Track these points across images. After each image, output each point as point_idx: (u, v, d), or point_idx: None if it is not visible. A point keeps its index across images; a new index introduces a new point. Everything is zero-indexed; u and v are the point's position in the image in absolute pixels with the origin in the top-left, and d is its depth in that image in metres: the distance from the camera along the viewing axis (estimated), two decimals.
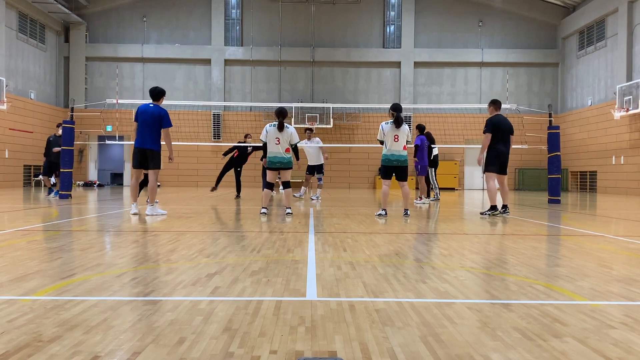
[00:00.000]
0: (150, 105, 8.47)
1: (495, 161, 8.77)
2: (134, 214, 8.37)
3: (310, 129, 13.98)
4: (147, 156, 8.41)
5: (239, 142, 14.39)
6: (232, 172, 14.15)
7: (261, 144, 9.02)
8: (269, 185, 8.84)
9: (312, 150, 13.68)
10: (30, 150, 22.19)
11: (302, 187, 14.18)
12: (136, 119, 8.42)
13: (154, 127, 8.32)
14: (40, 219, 7.93)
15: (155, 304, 2.76)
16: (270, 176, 8.74)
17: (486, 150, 8.87)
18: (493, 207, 8.75)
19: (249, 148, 14.04)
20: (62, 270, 3.68)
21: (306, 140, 13.75)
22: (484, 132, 8.81)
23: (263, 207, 8.69)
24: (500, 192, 9.11)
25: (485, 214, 8.75)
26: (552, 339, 2.23)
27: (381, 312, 2.64)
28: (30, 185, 22.34)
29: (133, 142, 8.59)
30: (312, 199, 13.61)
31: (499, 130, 8.73)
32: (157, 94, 8.55)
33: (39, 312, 2.56)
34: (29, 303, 2.73)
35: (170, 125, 8.39)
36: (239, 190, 14.22)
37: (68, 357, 1.96)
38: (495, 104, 9.03)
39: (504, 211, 8.86)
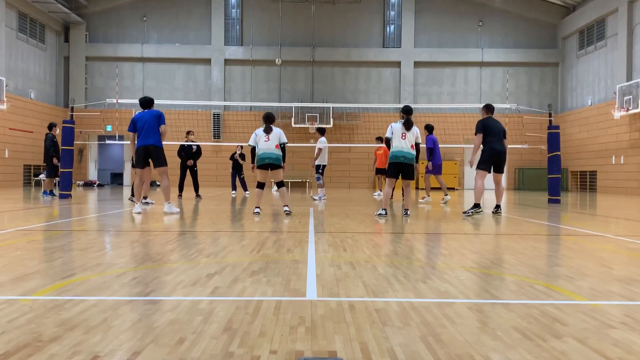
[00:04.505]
0: (145, 111, 8.78)
1: (489, 160, 8.78)
2: (137, 213, 8.44)
3: (319, 130, 13.81)
4: (150, 153, 8.63)
5: (185, 142, 14.29)
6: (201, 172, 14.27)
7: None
8: (260, 185, 8.85)
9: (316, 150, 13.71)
10: (30, 150, 22.19)
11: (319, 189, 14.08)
12: (132, 129, 8.70)
13: (153, 126, 8.61)
14: (40, 218, 7.93)
15: (155, 304, 2.76)
16: (260, 176, 8.73)
17: (479, 150, 8.92)
18: (476, 205, 8.66)
19: (193, 147, 14.02)
20: (62, 270, 3.68)
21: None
22: (475, 134, 8.89)
23: (256, 207, 8.73)
24: (495, 191, 9.15)
25: (469, 212, 8.64)
26: (552, 339, 2.23)
27: (381, 312, 2.63)
28: (30, 185, 22.34)
29: (129, 143, 8.79)
30: (312, 198, 13.65)
31: (490, 131, 8.77)
32: (146, 102, 8.87)
33: (39, 311, 2.56)
34: (29, 303, 2.73)
35: (164, 123, 8.71)
36: (197, 190, 14.16)
37: (68, 357, 1.95)
38: (487, 107, 9.12)
39: (496, 211, 8.93)
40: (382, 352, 2.05)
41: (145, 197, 11.02)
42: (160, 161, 8.66)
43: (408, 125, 8.42)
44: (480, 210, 8.67)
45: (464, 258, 4.41)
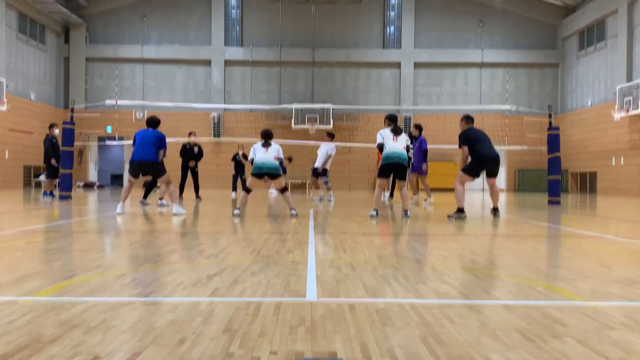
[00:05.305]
0: (149, 130, 8.87)
1: (478, 167, 8.48)
2: (119, 214, 8.50)
3: (331, 134, 13.86)
4: (145, 169, 8.75)
5: (187, 142, 14.17)
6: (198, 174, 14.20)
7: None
8: (247, 191, 8.78)
9: (320, 152, 13.67)
10: (31, 151, 22.19)
11: (318, 190, 14.07)
12: (133, 143, 8.80)
13: (152, 143, 8.66)
14: (40, 219, 7.93)
15: (155, 305, 2.76)
16: (251, 182, 8.67)
17: (467, 161, 8.58)
18: (460, 210, 8.31)
19: (195, 149, 13.94)
20: (63, 271, 3.68)
21: (324, 142, 13.73)
22: (459, 147, 8.52)
23: (236, 209, 8.60)
24: (490, 194, 8.92)
25: (452, 217, 8.29)
26: (552, 340, 2.23)
27: (381, 312, 2.63)
28: (30, 186, 22.34)
29: (129, 144, 8.84)
30: (326, 200, 13.61)
31: (476, 139, 8.45)
32: (152, 122, 8.95)
33: (39, 312, 2.56)
34: (29, 304, 2.73)
35: (165, 148, 8.77)
36: (197, 191, 14.08)
37: (68, 357, 1.96)
38: (467, 119, 8.74)
39: (494, 214, 8.69)
40: (382, 353, 2.05)
41: (161, 198, 11.18)
42: (159, 172, 8.77)
43: (397, 132, 8.47)
44: (464, 215, 8.34)
45: (464, 259, 4.41)
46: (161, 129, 9.17)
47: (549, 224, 8.09)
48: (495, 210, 8.78)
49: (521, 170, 25.33)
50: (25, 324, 2.37)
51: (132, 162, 8.72)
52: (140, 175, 8.96)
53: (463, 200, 8.41)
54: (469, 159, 8.63)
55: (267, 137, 8.72)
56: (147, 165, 8.66)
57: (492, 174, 8.70)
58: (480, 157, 8.44)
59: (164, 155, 8.87)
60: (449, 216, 8.47)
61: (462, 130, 8.69)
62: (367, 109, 24.53)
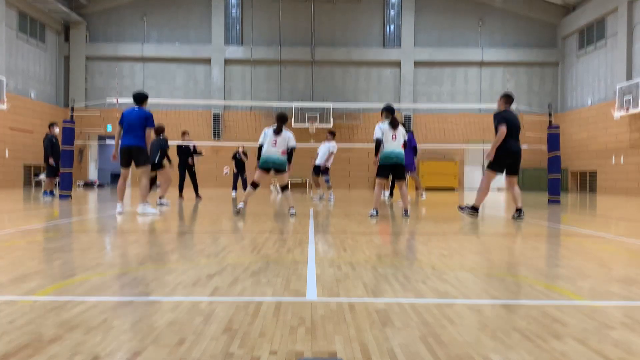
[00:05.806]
0: (135, 109, 8.69)
1: (502, 161, 7.96)
2: (119, 213, 8.41)
3: (332, 133, 13.94)
4: (132, 153, 8.55)
5: (184, 142, 14.06)
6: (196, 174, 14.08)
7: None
8: (254, 185, 8.61)
9: (321, 150, 13.69)
10: (31, 150, 22.19)
11: (317, 189, 14.12)
12: (121, 122, 8.64)
13: (139, 127, 8.54)
14: (40, 219, 7.93)
15: (155, 305, 2.76)
16: (259, 176, 8.48)
17: (499, 142, 7.85)
18: (475, 209, 8.04)
19: (190, 147, 13.87)
20: (63, 270, 3.68)
21: (325, 141, 13.78)
22: (497, 126, 7.84)
23: (241, 202, 8.57)
24: (511, 194, 8.25)
25: (463, 209, 8.11)
26: (552, 340, 2.23)
27: (381, 312, 2.64)
28: (30, 185, 22.33)
29: (118, 143, 8.69)
30: (326, 199, 13.62)
31: (509, 127, 7.82)
32: (140, 98, 8.78)
33: (39, 312, 2.56)
34: (29, 303, 2.73)
35: (152, 127, 8.66)
36: (196, 190, 13.98)
37: (68, 357, 1.96)
38: (507, 97, 8.18)
39: (518, 216, 8.00)
40: (382, 353, 2.05)
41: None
42: (141, 161, 8.54)
43: (395, 125, 8.37)
44: (476, 214, 8.10)
45: (464, 259, 4.41)
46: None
47: (548, 223, 8.08)
48: (519, 212, 8.04)
49: (521, 169, 25.32)
50: (25, 324, 2.37)
51: (120, 150, 8.54)
52: (124, 164, 8.64)
53: (482, 199, 8.09)
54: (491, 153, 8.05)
55: (281, 121, 8.41)
56: (135, 151, 8.48)
57: (513, 170, 8.10)
58: (505, 150, 7.90)
59: (152, 133, 8.67)
60: (460, 207, 8.41)
61: (500, 110, 8.10)
62: (367, 107, 24.50)
